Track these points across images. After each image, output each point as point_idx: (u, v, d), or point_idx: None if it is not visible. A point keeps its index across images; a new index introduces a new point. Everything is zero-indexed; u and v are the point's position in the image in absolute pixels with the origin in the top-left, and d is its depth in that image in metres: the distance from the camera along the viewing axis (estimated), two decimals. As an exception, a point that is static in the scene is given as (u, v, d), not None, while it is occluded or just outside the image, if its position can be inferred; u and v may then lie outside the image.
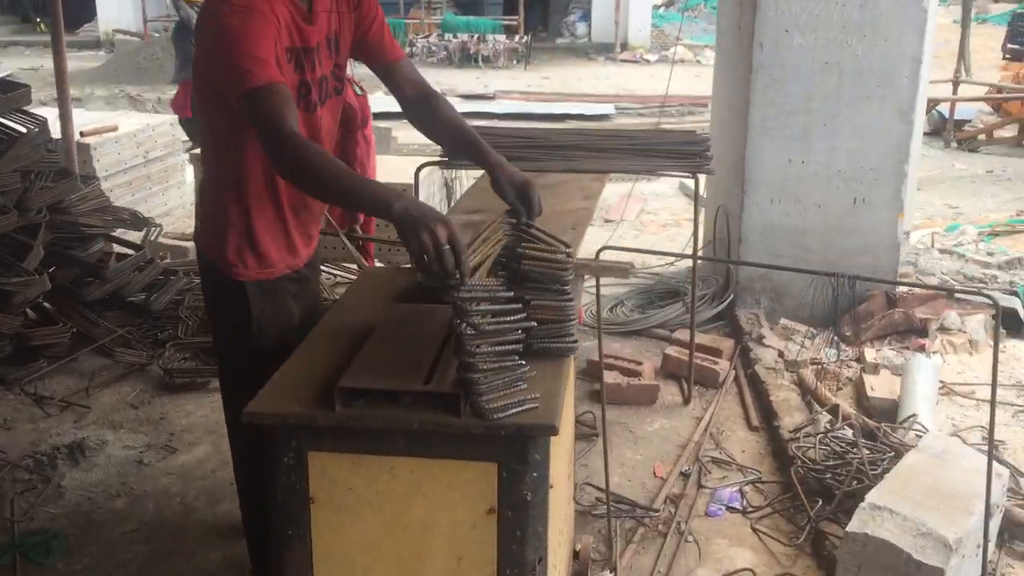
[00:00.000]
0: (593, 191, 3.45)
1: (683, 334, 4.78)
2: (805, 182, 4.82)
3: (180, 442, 3.99)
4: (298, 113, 2.29)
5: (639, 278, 5.86)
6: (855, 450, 3.41)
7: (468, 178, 4.93)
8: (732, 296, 5.02)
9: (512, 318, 2.02)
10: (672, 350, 4.54)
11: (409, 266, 2.73)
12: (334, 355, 2.17)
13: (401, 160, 6.50)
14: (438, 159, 3.96)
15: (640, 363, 4.41)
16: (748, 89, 4.76)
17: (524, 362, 2.01)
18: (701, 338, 4.66)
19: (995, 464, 2.76)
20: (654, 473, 3.70)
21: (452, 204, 4.96)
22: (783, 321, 4.87)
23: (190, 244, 6.08)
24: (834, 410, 3.79)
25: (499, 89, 14.12)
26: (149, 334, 4.89)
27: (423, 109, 2.61)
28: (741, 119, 4.86)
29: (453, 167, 3.73)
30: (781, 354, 4.56)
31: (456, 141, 2.57)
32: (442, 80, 14.69)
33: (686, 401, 4.27)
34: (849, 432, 3.58)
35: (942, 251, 6.00)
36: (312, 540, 2.03)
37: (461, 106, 13.04)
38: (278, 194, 2.43)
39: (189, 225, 6.74)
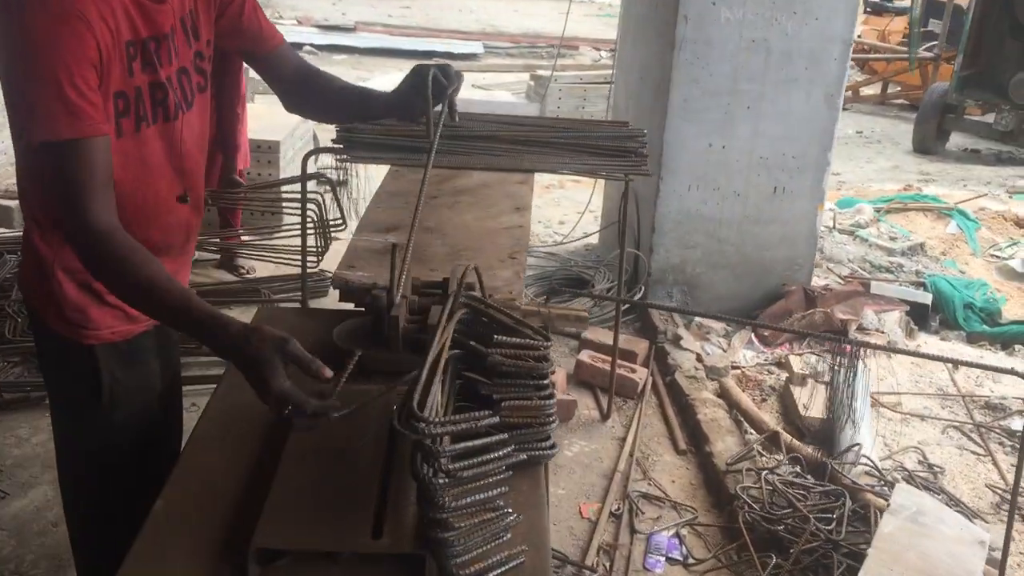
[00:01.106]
0: (524, 200, 2.95)
1: (593, 333, 4.39)
2: (725, 168, 4.46)
3: (12, 482, 3.28)
4: (153, 128, 1.77)
5: (535, 258, 5.41)
6: (803, 492, 3.11)
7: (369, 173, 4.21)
8: (643, 289, 4.64)
9: (498, 453, 1.52)
10: (586, 355, 4.13)
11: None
12: (231, 480, 1.60)
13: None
14: (330, 146, 3.32)
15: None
16: (669, 65, 4.31)
17: (509, 510, 1.52)
18: (609, 337, 4.27)
19: (974, 530, 2.49)
20: (580, 513, 3.30)
21: (359, 216, 4.27)
22: (697, 319, 4.54)
23: (14, 204, 5.20)
24: (773, 439, 3.48)
25: (359, 20, 13.19)
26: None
27: (306, 87, 2.11)
28: (659, 97, 4.43)
29: (354, 158, 3.13)
30: (700, 358, 4.23)
31: (350, 102, 2.17)
32: (297, 5, 13.63)
33: (604, 416, 3.88)
34: (794, 467, 3.28)
35: (842, 232, 5.83)
36: None
37: (320, 38, 12.11)
38: (130, 222, 1.74)
39: (9, 175, 5.77)
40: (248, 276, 5.13)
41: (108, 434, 1.89)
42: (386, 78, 11.79)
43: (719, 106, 4.36)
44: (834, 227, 5.81)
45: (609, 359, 4.10)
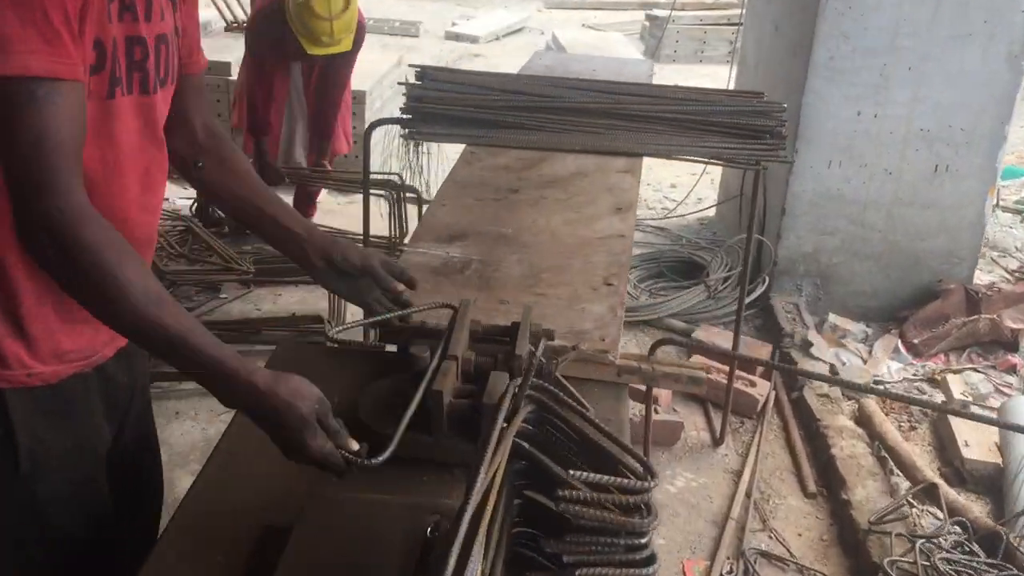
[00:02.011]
0: (628, 198, 2.31)
1: (705, 332, 3.75)
2: (876, 141, 3.71)
3: None
4: (128, 99, 1.29)
5: (642, 232, 4.77)
6: (972, 574, 2.45)
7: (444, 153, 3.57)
8: (767, 280, 3.95)
9: None
10: (696, 363, 3.49)
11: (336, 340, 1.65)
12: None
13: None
14: (394, 118, 2.74)
15: (655, 381, 3.37)
16: (813, 15, 3.57)
17: None
18: (726, 340, 3.63)
19: None
20: (683, 573, 2.72)
21: (418, 213, 3.68)
22: (832, 318, 3.84)
23: None
24: (930, 492, 2.81)
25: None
26: None
27: (216, 161, 1.55)
28: (798, 53, 3.69)
29: (419, 134, 2.55)
30: (833, 370, 3.55)
31: (258, 209, 1.56)
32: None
33: (716, 441, 3.26)
34: (956, 531, 2.61)
35: (1006, 210, 4.97)
36: None
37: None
38: None
39: None
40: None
41: (31, 519, 1.38)
42: (491, 17, 11.13)
43: (873, 66, 3.59)
44: (997, 204, 4.93)
45: (724, 368, 3.47)
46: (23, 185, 1.11)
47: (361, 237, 2.99)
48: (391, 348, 1.71)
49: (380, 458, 1.25)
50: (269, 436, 1.23)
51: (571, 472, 1.11)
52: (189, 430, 3.23)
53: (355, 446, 1.25)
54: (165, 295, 1.16)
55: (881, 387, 3.38)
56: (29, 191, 1.11)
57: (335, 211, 4.81)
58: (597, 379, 1.70)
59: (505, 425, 1.15)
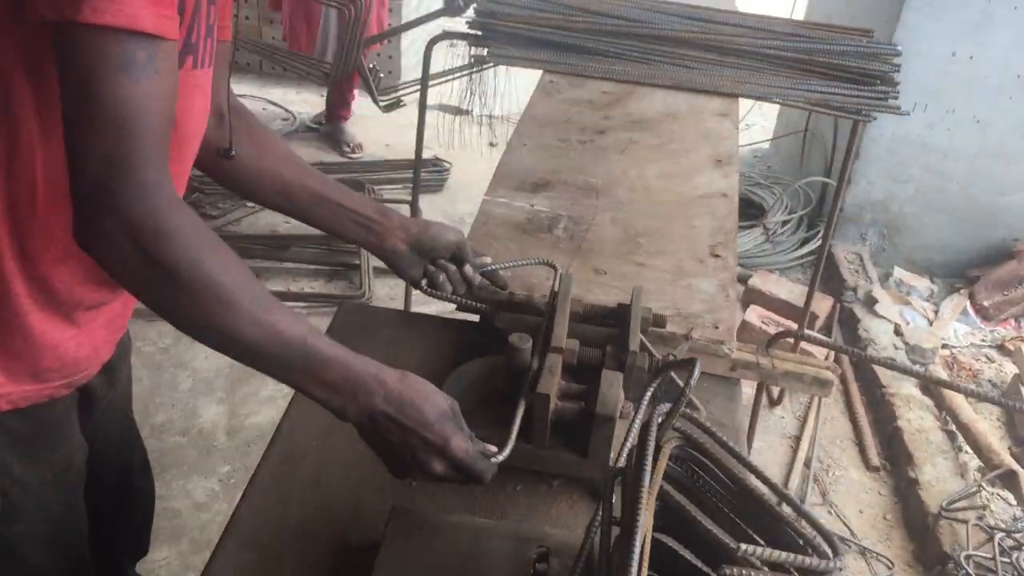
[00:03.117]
0: (727, 148, 2.05)
1: (763, 280, 3.52)
2: (968, 86, 3.41)
3: None
4: (200, 72, 1.02)
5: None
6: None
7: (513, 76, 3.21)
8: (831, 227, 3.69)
9: None
10: (754, 314, 3.28)
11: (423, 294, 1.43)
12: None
13: None
14: (461, 32, 2.46)
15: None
16: (914, -60, 3.23)
17: None
18: (786, 289, 3.41)
19: None
20: (739, 546, 2.55)
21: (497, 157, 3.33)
22: (897, 272, 3.61)
23: None
24: (1008, 478, 2.62)
25: None
26: None
27: (249, 143, 1.25)
28: (891, -18, 3.36)
29: (499, 58, 2.26)
30: (898, 331, 3.33)
31: (314, 195, 1.31)
32: None
33: (773, 402, 3.07)
34: (1037, 529, 2.43)
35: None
36: None
37: None
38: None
39: None
40: (353, 155, 4.41)
41: (6, 560, 1.16)
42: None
43: (975, 3, 3.27)
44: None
45: (783, 320, 3.26)
46: (100, 172, 0.84)
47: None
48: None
49: (500, 456, 1.07)
50: (388, 450, 1.02)
51: (740, 548, 0.89)
52: (212, 353, 3.05)
53: (493, 449, 1.07)
54: (273, 298, 0.94)
55: (960, 383, 3.17)
56: (108, 181, 0.84)
57: (369, 117, 4.52)
58: (706, 372, 1.49)
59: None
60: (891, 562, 2.51)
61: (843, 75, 2.36)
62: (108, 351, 1.18)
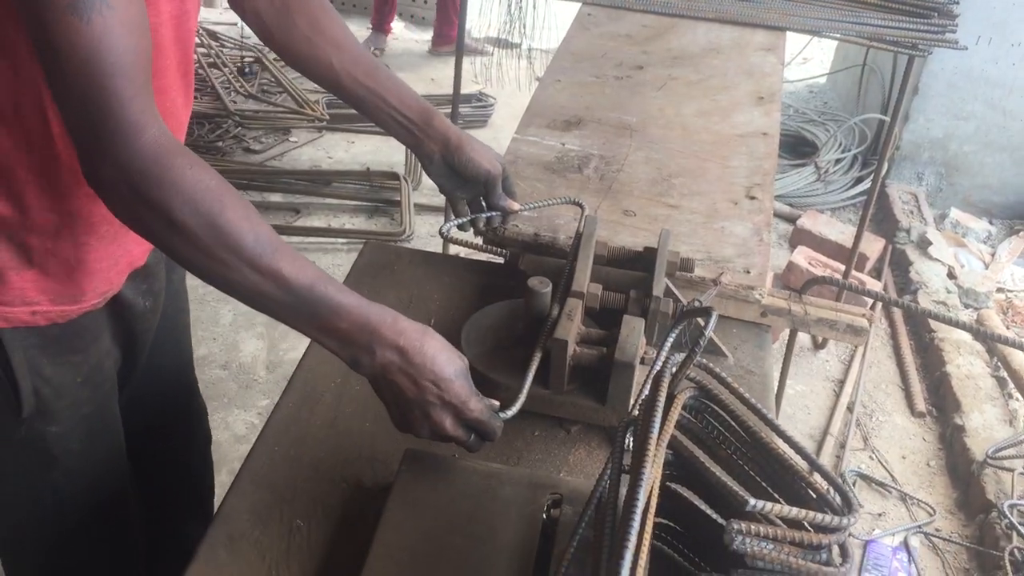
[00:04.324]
0: (771, 85, 1.97)
1: (811, 220, 3.43)
2: (1036, 18, 3.24)
3: None
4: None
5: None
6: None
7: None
8: (886, 166, 3.58)
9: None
10: (801, 256, 3.20)
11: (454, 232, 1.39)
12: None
13: None
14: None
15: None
16: None
17: None
18: (836, 230, 3.32)
19: None
20: (776, 490, 2.53)
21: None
22: (954, 213, 3.49)
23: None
24: (1058, 429, 2.55)
25: None
26: None
27: (304, 20, 1.23)
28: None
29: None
30: (952, 274, 3.23)
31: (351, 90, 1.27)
32: None
33: (817, 345, 3.01)
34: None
35: None
36: None
37: None
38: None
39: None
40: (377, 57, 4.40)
41: (40, 466, 1.19)
42: None
43: (1047, -72, 3.10)
44: None
45: (831, 261, 3.18)
46: (81, 118, 0.83)
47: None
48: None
49: (509, 412, 1.06)
50: (399, 405, 1.00)
51: (749, 503, 0.86)
52: (256, 288, 3.07)
53: (497, 404, 1.06)
54: (279, 240, 0.90)
55: (1010, 336, 3.06)
56: (90, 127, 0.83)
57: (413, 52, 4.47)
58: (735, 317, 1.45)
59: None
60: (933, 509, 2.47)
61: (898, 7, 2.26)
62: (141, 258, 1.19)
